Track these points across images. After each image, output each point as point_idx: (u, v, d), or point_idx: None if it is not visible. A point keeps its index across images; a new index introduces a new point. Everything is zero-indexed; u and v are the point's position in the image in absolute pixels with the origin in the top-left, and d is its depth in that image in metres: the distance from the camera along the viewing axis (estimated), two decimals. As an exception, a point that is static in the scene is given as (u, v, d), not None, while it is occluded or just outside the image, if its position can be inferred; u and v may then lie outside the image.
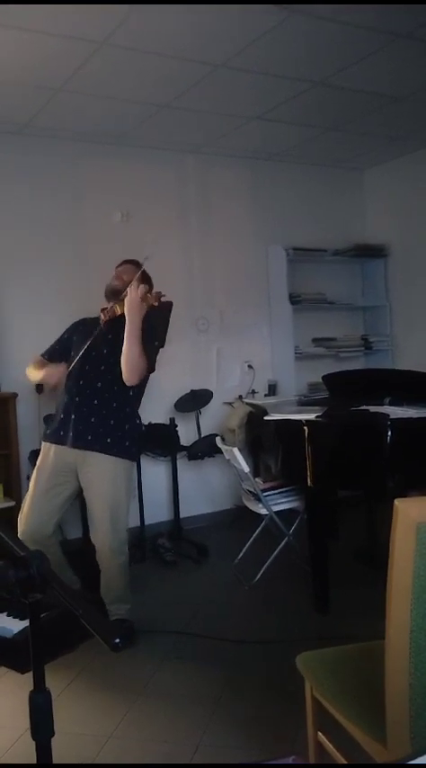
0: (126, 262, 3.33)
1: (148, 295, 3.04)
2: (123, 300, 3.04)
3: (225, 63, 3.49)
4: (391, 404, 3.59)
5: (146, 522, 4.50)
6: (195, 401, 4.69)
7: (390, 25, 3.18)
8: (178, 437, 4.55)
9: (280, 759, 0.74)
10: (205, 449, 4.47)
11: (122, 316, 3.04)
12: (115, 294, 3.19)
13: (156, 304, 3.05)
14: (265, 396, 5.16)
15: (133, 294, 2.99)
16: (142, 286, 3.03)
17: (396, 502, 1.42)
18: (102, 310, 3.24)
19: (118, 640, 0.94)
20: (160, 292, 3.08)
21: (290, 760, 0.73)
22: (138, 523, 4.41)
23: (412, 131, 4.79)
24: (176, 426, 4.55)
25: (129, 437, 3.13)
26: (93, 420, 3.05)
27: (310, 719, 1.85)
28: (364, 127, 4.63)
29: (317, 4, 2.91)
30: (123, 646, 0.97)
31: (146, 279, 3.21)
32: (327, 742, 1.79)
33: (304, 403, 4.55)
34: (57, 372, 3.14)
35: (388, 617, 1.44)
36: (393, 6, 2.98)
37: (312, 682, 1.81)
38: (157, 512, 4.65)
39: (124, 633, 3.01)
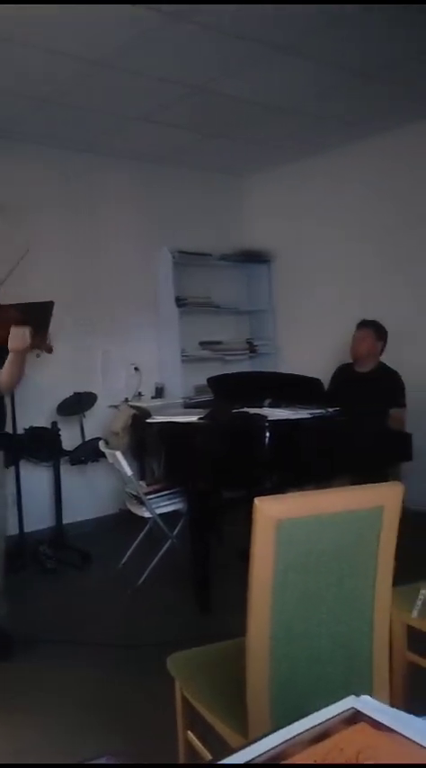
0: None
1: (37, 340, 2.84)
2: None
3: (106, 62, 3.46)
4: (271, 405, 3.69)
5: (27, 530, 4.35)
6: (79, 404, 4.60)
7: (269, 37, 3.28)
8: (61, 441, 4.45)
9: (94, 760, 0.74)
10: (88, 453, 4.40)
11: None
12: None
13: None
14: (152, 398, 5.16)
15: (21, 343, 2.78)
16: (28, 332, 2.79)
17: (256, 500, 1.46)
18: None
19: None
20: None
21: (104, 760, 0.73)
22: (17, 531, 4.26)
23: (292, 141, 4.96)
24: (59, 430, 4.44)
25: None
26: None
27: (180, 719, 1.86)
28: (245, 134, 4.75)
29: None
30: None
31: None
32: (196, 740, 1.81)
33: (189, 405, 4.60)
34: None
35: (249, 612, 1.48)
36: (272, 18, 3.07)
37: (181, 682, 1.82)
38: (39, 518, 4.51)
39: (-1, 643, 2.91)
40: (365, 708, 0.79)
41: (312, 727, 0.75)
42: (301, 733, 0.73)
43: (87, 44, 3.27)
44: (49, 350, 2.87)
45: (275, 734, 0.73)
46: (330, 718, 0.78)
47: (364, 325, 4.19)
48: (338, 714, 0.79)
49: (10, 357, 2.85)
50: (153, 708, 2.47)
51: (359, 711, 0.79)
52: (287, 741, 0.72)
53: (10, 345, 2.79)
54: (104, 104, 4.08)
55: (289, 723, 0.77)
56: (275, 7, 2.95)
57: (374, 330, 4.15)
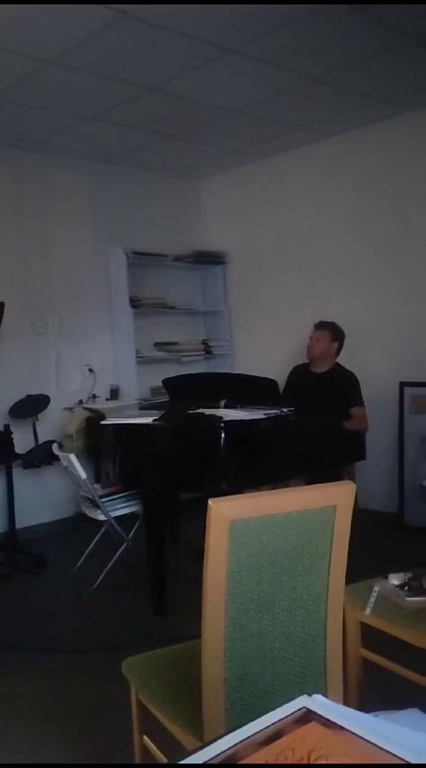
0: None
1: None
2: None
3: (54, 60, 3.41)
4: (226, 406, 3.69)
5: (-22, 536, 4.26)
6: (31, 407, 4.52)
7: (218, 39, 3.28)
8: (13, 444, 4.36)
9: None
10: (42, 456, 4.32)
11: None
12: None
13: None
14: (106, 400, 5.11)
15: None
16: None
17: (210, 501, 1.45)
18: None
19: None
20: None
21: None
22: (-31, 537, 4.18)
23: (246, 144, 4.98)
24: (11, 433, 4.36)
25: None
26: None
27: (135, 724, 1.84)
28: (200, 136, 4.75)
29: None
30: None
31: None
32: (152, 744, 1.80)
33: (144, 407, 4.56)
34: None
35: (204, 613, 1.47)
36: (226, 19, 3.07)
37: (136, 686, 1.80)
38: (-10, 524, 4.43)
39: None
40: (316, 707, 0.80)
41: (265, 728, 0.75)
42: (254, 734, 0.73)
43: (39, 43, 3.21)
44: None
45: (228, 736, 0.73)
46: (282, 719, 0.78)
47: (321, 326, 4.23)
48: (290, 714, 0.79)
49: None
50: (108, 713, 2.44)
51: (310, 710, 0.79)
52: (240, 742, 0.71)
53: None
54: (57, 103, 4.02)
55: (244, 724, 0.77)
56: (229, 8, 2.95)
57: (330, 331, 4.20)
